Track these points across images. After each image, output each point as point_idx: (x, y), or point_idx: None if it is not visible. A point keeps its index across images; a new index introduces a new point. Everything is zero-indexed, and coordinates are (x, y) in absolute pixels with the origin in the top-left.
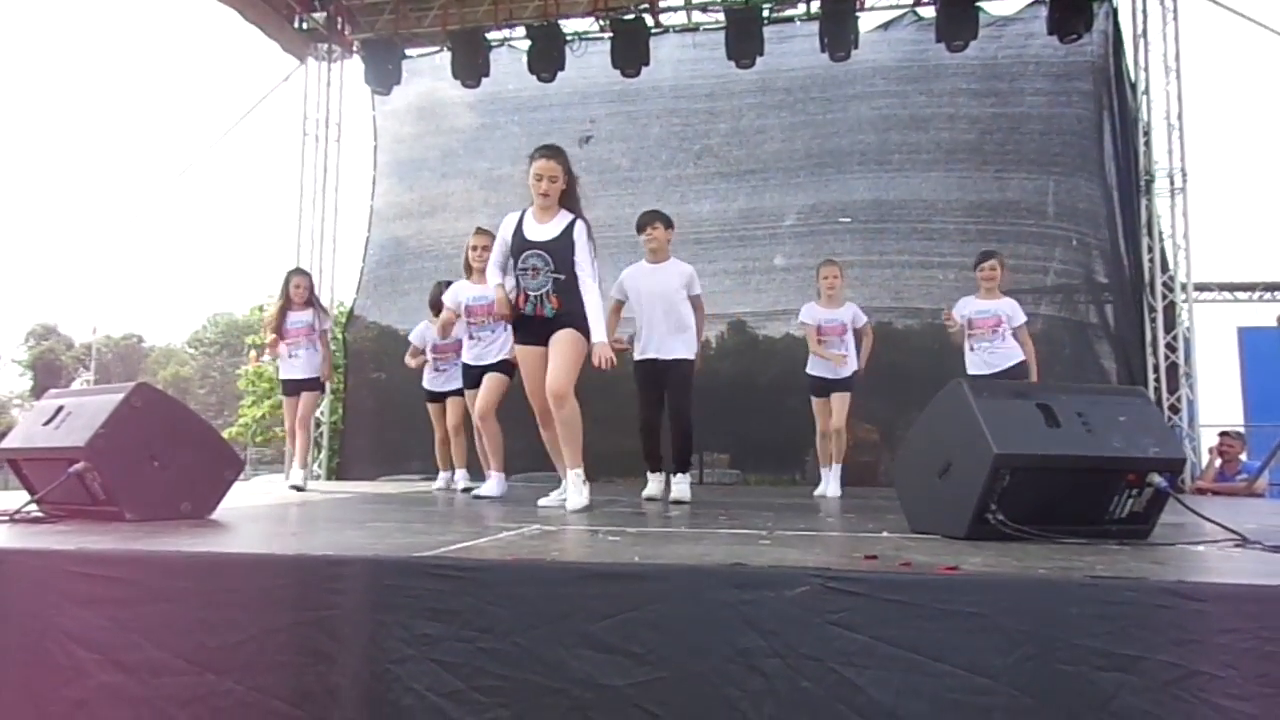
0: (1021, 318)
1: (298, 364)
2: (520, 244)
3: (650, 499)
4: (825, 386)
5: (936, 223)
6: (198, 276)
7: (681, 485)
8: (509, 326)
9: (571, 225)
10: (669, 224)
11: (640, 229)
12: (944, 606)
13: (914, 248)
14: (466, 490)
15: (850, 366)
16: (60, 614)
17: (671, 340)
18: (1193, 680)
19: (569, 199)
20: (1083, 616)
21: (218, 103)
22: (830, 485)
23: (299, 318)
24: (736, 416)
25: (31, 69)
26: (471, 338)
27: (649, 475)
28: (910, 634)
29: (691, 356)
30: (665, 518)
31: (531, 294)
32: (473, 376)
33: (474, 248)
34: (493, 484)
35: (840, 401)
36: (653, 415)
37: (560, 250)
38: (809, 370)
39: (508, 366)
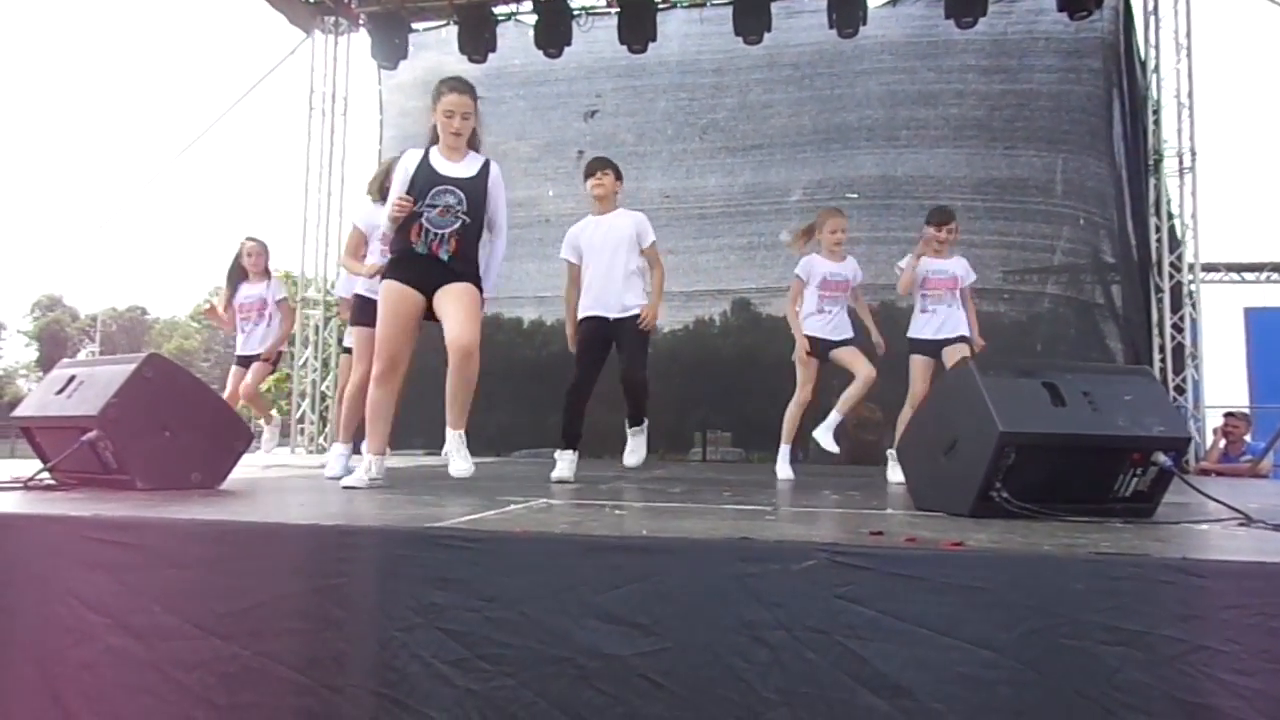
0: (971, 275)
1: (253, 340)
2: (430, 178)
3: (559, 481)
4: (827, 348)
5: (944, 200)
6: (203, 250)
7: (637, 442)
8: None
9: (486, 167)
10: (620, 175)
11: (588, 175)
12: (949, 581)
13: (921, 224)
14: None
15: (845, 331)
16: (71, 578)
17: (622, 294)
18: (1196, 655)
19: (474, 140)
20: (1087, 592)
21: (224, 76)
22: (783, 466)
23: (251, 291)
24: (740, 394)
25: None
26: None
27: (560, 453)
28: (916, 608)
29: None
30: (670, 494)
31: (434, 230)
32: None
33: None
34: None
35: (852, 352)
36: (584, 381)
37: (475, 193)
38: (807, 330)
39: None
